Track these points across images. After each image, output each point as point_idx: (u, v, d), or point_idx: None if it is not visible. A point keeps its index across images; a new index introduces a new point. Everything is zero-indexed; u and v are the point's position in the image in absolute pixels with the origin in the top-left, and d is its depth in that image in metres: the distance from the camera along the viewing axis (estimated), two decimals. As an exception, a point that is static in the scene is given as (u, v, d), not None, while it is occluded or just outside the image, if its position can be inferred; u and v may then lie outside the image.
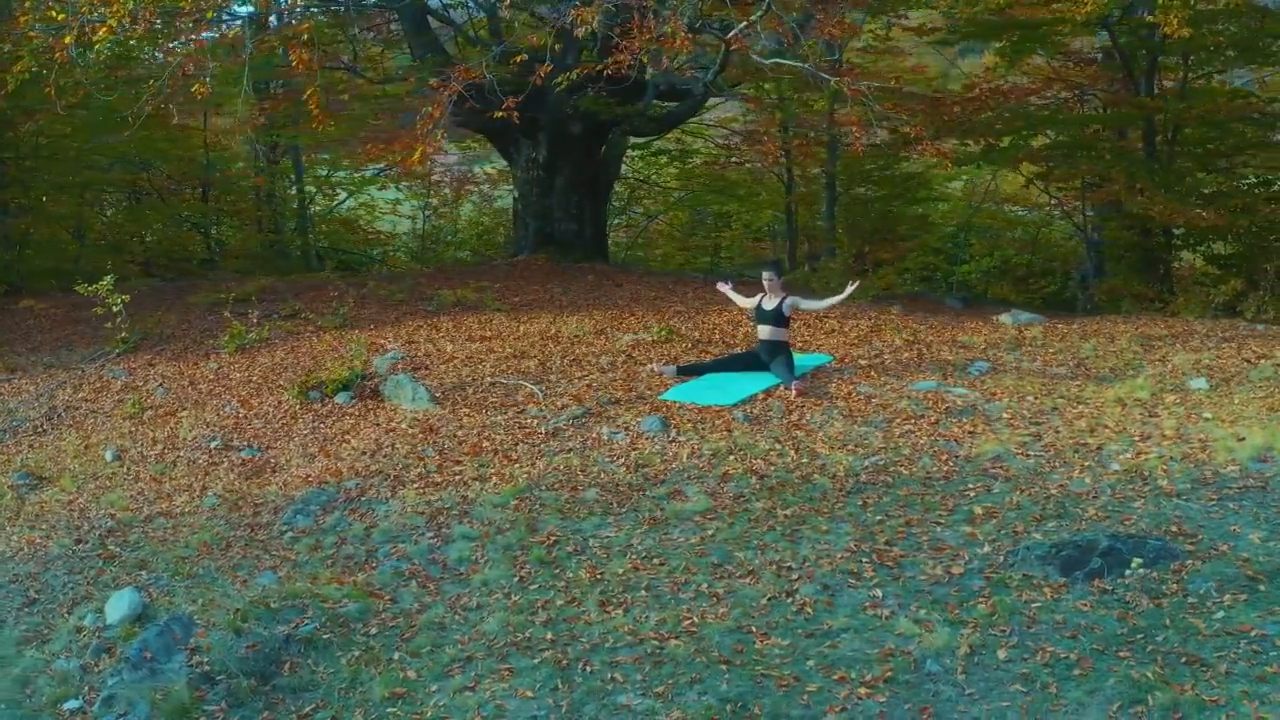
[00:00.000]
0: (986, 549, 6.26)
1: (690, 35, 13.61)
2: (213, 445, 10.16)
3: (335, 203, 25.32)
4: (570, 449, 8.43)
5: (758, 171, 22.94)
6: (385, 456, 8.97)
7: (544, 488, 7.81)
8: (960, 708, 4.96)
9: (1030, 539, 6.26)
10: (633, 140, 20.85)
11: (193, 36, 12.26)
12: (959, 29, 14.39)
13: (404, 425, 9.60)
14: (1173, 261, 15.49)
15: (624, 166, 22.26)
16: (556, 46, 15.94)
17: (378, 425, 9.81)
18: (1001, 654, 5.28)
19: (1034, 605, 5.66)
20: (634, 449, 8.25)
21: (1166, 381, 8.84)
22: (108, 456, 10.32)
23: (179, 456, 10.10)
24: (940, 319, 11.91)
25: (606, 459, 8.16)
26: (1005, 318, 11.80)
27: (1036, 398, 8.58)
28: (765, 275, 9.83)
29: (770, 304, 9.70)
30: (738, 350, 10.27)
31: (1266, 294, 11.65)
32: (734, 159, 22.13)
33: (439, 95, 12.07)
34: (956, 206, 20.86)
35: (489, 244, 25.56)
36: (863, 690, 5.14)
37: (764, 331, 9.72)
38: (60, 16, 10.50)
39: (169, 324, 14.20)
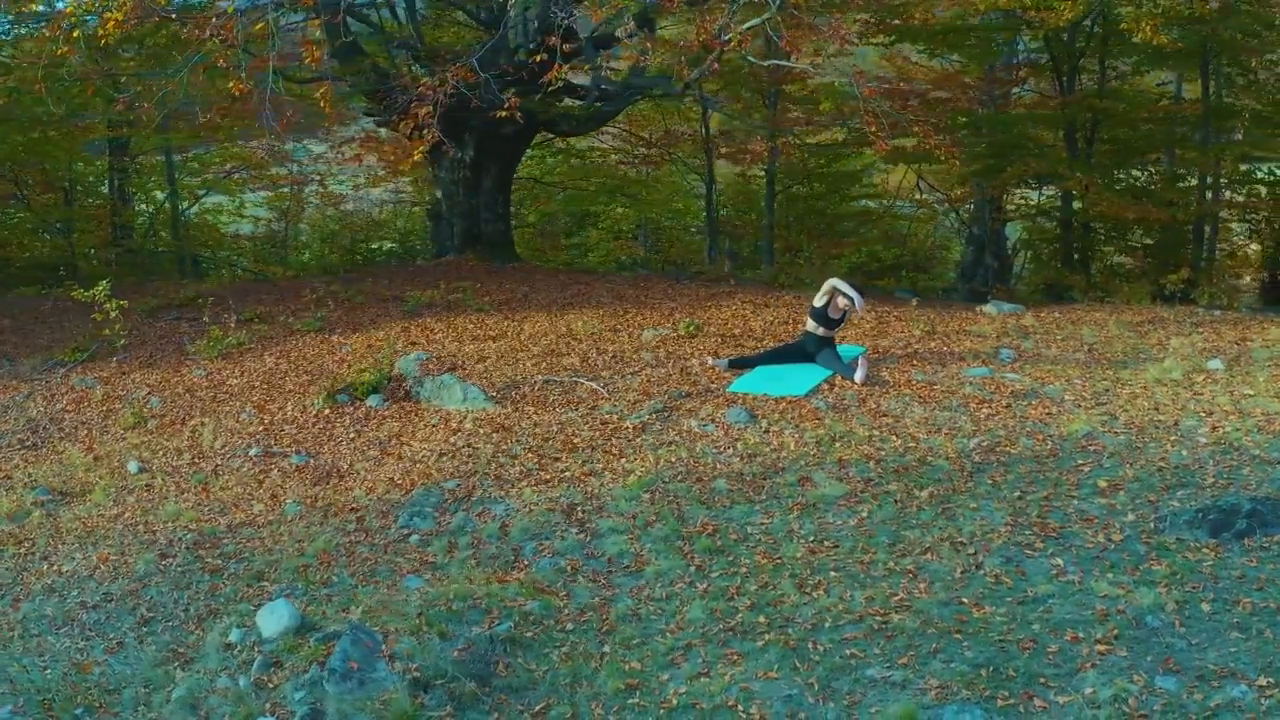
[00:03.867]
0: (1131, 517, 6.82)
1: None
2: (251, 453, 9.84)
3: (192, 205, 24.17)
4: (670, 442, 8.60)
5: (676, 170, 23.39)
6: (467, 457, 8.91)
7: (667, 480, 7.97)
8: (1195, 657, 5.45)
9: (1168, 507, 6.86)
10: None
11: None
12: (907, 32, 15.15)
13: (469, 425, 9.54)
14: (1093, 255, 16.78)
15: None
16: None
17: (434, 426, 9.71)
18: (1205, 608, 5.81)
19: (1205, 564, 6.23)
20: (737, 440, 8.50)
21: (1188, 363, 9.68)
22: (132, 469, 9.86)
23: (217, 465, 9.75)
24: (931, 311, 12.57)
25: (715, 450, 8.38)
26: (989, 308, 12.57)
27: (1084, 381, 9.27)
28: (852, 303, 9.90)
29: (835, 314, 10.02)
30: (784, 343, 10.59)
31: (1218, 282, 12.81)
32: (648, 159, 22.47)
33: (430, 96, 11.96)
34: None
35: (339, 248, 24.75)
36: (1100, 647, 5.58)
37: (817, 328, 10.04)
38: None
39: (108, 333, 13.53)
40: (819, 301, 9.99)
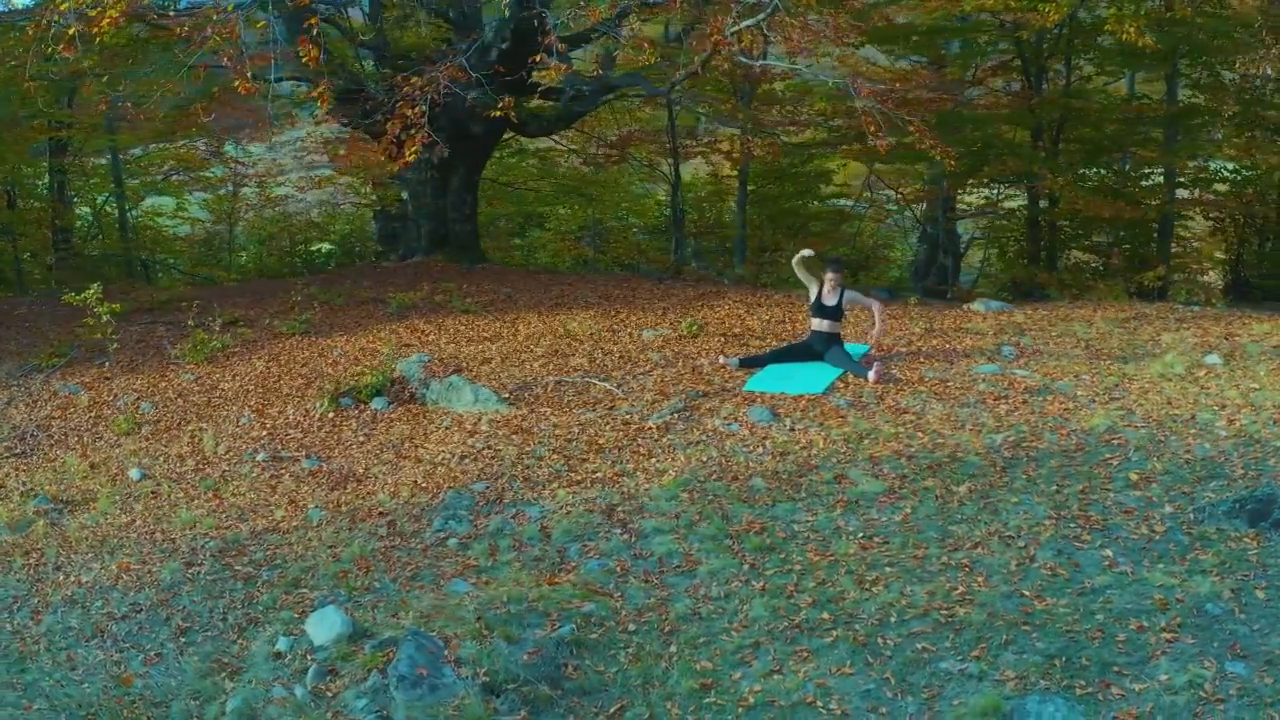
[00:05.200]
0: (1169, 509, 6.99)
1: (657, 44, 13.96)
2: (259, 458, 9.66)
3: (134, 208, 23.58)
4: (697, 442, 8.62)
5: (626, 171, 23.37)
6: (491, 459, 8.84)
7: (702, 479, 7.99)
8: (1259, 643, 5.60)
9: (1204, 498, 7.05)
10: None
11: None
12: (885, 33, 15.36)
13: (485, 427, 9.47)
14: (1060, 253, 17.16)
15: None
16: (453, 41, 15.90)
17: (448, 429, 9.62)
18: (1260, 594, 5.98)
19: (1250, 553, 6.41)
20: (765, 439, 8.55)
21: (1187, 358, 9.94)
22: (134, 475, 9.65)
23: (225, 471, 9.56)
24: (924, 309, 12.74)
25: (744, 449, 8.41)
26: (978, 306, 12.79)
27: (1092, 376, 9.48)
28: (829, 274, 10.20)
29: (830, 300, 10.15)
30: (791, 341, 10.67)
31: (1191, 279, 13.19)
32: (610, 159, 22.44)
33: (419, 96, 11.85)
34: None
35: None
36: (1166, 635, 5.71)
37: (821, 325, 10.17)
38: None
39: (83, 338, 13.17)
40: (813, 294, 10.11)
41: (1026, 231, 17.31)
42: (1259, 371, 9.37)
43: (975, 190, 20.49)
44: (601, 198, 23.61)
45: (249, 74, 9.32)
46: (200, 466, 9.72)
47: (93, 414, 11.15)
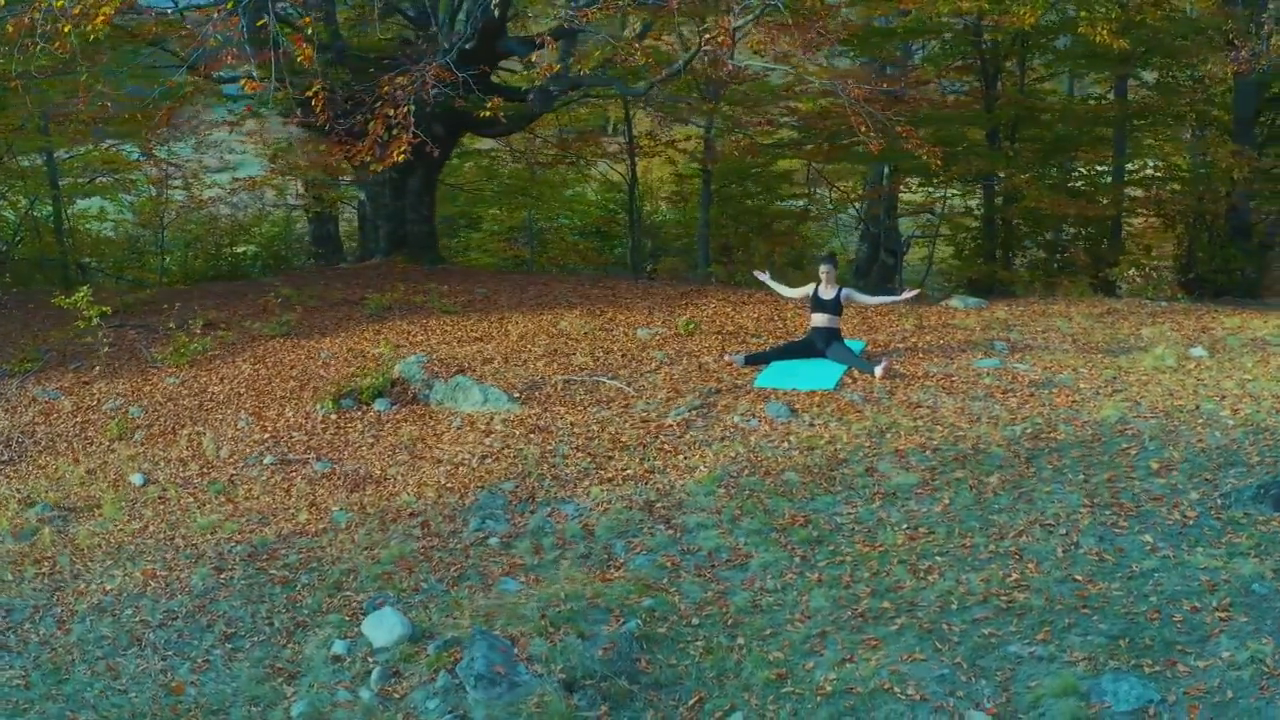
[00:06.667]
0: (1195, 495, 7.28)
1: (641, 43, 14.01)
2: (266, 461, 9.51)
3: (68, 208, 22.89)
4: (721, 438, 8.72)
5: (581, 171, 23.39)
6: (514, 459, 8.83)
7: (735, 475, 8.09)
8: (1309, 620, 5.91)
9: (1227, 484, 7.35)
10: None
11: None
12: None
13: (499, 427, 9.45)
14: (1014, 251, 17.66)
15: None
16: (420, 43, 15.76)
17: (460, 429, 9.58)
18: (1300, 574, 6.30)
19: (1281, 534, 6.74)
20: (788, 434, 8.68)
21: (1174, 351, 10.33)
22: (136, 481, 9.44)
23: (232, 475, 9.40)
24: (907, 306, 12.99)
25: (770, 444, 8.53)
26: (955, 302, 13.10)
27: (1089, 370, 9.80)
28: (823, 268, 10.48)
29: (828, 294, 10.36)
30: (794, 339, 10.82)
31: (1160, 276, 13.70)
32: (557, 159, 22.41)
33: (402, 97, 11.75)
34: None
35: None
36: (1220, 614, 5.96)
37: (820, 320, 10.37)
38: None
39: (54, 342, 12.81)
40: (810, 291, 10.34)
41: (983, 230, 17.77)
42: (1246, 363, 9.78)
43: (920, 189, 20.97)
44: (544, 198, 23.66)
45: (256, 72, 9.12)
46: (205, 471, 9.53)
47: (79, 419, 10.84)
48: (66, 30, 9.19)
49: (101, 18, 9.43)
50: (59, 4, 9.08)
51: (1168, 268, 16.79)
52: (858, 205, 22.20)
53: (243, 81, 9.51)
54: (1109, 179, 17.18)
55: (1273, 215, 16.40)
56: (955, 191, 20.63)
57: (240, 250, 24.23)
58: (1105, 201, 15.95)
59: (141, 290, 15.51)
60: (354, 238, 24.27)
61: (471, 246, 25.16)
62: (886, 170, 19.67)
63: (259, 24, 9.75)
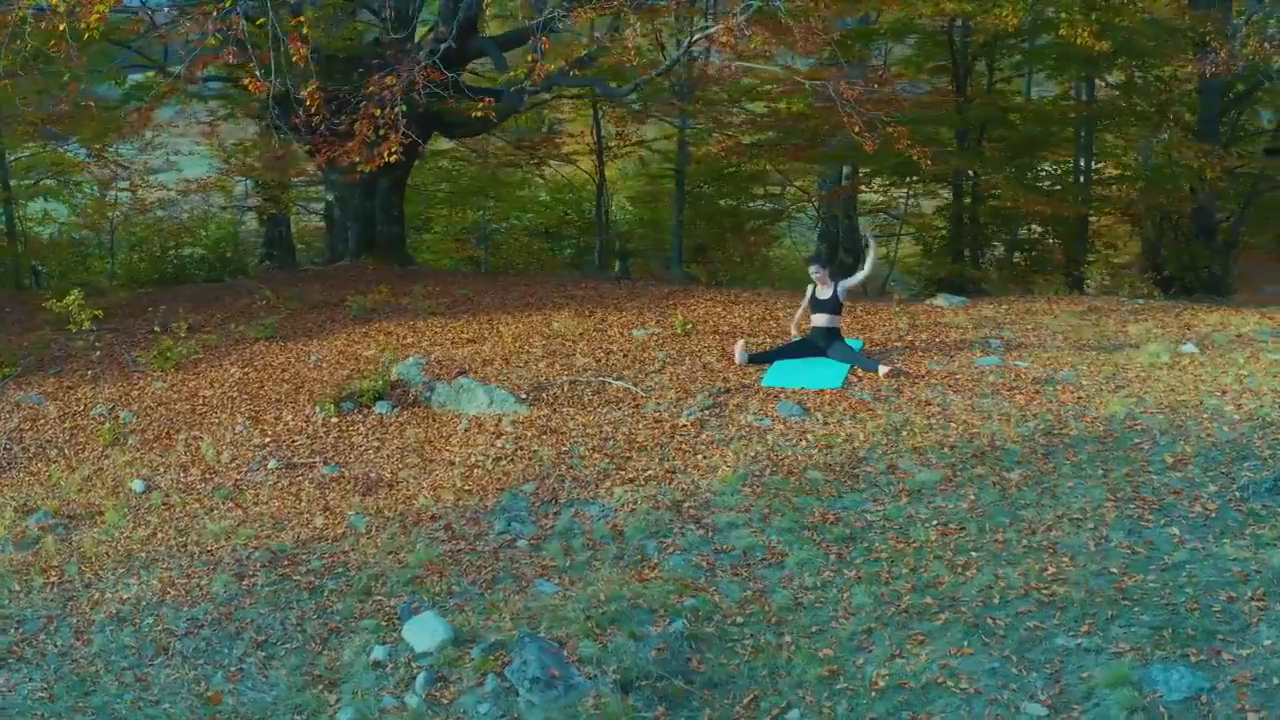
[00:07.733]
0: (1213, 488, 7.45)
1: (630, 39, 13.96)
2: (270, 465, 9.36)
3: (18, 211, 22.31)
4: (738, 437, 8.74)
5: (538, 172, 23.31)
6: (529, 460, 8.78)
7: (758, 473, 8.11)
8: (1342, 608, 6.09)
9: (1243, 477, 7.53)
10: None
11: None
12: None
13: (509, 429, 9.39)
14: (984, 250, 17.93)
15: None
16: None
17: (468, 431, 9.50)
18: (1328, 564, 6.48)
19: (1303, 525, 6.92)
20: (805, 433, 8.73)
21: (1167, 347, 10.54)
22: (137, 487, 9.25)
23: (237, 480, 9.24)
24: (896, 305, 13.12)
25: (788, 443, 8.57)
26: (940, 301, 13.27)
27: (1089, 366, 9.97)
28: (813, 269, 10.53)
29: (825, 294, 10.44)
30: (791, 339, 10.87)
31: (1137, 275, 14.00)
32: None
33: (390, 98, 11.63)
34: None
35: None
36: (1257, 604, 6.11)
37: (821, 320, 10.43)
38: None
39: (25, 346, 12.49)
40: (824, 295, 10.36)
41: (951, 228, 18.02)
42: (1238, 359, 10.02)
43: (882, 189, 21.19)
44: (501, 198, 23.60)
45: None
46: (208, 476, 9.35)
47: (67, 425, 10.58)
48: (62, 28, 8.95)
49: (96, 15, 9.22)
50: (58, 5, 8.86)
51: (1133, 266, 17.16)
52: (816, 205, 22.39)
53: (247, 80, 9.30)
54: (1072, 178, 17.52)
55: (1236, 213, 16.86)
56: (917, 191, 20.87)
57: (186, 253, 23.70)
58: (1073, 201, 16.26)
59: (102, 295, 15.11)
60: (304, 239, 24.00)
61: (422, 248, 25.00)
62: (845, 170, 19.88)
63: (258, 22, 9.59)
